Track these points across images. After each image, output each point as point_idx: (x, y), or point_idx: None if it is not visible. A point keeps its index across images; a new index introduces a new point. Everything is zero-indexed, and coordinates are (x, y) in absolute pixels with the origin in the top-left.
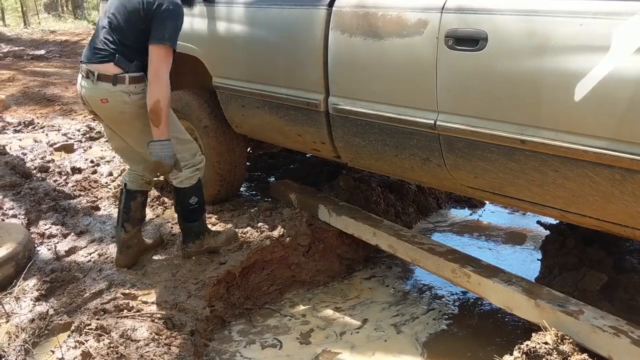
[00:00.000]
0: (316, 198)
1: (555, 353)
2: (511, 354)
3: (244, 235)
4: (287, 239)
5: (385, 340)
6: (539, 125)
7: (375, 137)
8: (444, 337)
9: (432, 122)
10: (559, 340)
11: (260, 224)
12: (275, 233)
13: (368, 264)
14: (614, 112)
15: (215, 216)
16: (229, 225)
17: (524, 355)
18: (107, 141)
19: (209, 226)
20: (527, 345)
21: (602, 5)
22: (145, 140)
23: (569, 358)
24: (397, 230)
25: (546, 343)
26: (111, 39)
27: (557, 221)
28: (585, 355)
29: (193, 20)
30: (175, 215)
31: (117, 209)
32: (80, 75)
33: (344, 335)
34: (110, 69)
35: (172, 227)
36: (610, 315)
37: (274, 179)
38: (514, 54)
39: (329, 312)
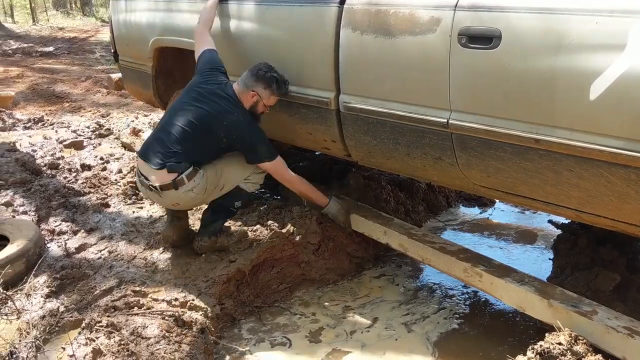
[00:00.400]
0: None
1: (569, 354)
2: (524, 354)
3: (254, 233)
4: (297, 237)
5: (396, 339)
6: (553, 125)
7: (386, 136)
8: (455, 336)
9: (445, 120)
10: (573, 341)
11: (269, 222)
12: (285, 231)
13: (378, 262)
14: (630, 112)
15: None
16: (239, 223)
17: (537, 356)
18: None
19: None
20: (540, 345)
21: (619, 3)
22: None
23: (582, 359)
24: (407, 228)
25: (560, 344)
26: (168, 151)
27: (569, 220)
28: (599, 356)
29: None
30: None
31: (126, 206)
32: (140, 176)
33: (354, 334)
34: (165, 177)
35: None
36: (624, 316)
37: None
38: (528, 52)
39: (338, 310)
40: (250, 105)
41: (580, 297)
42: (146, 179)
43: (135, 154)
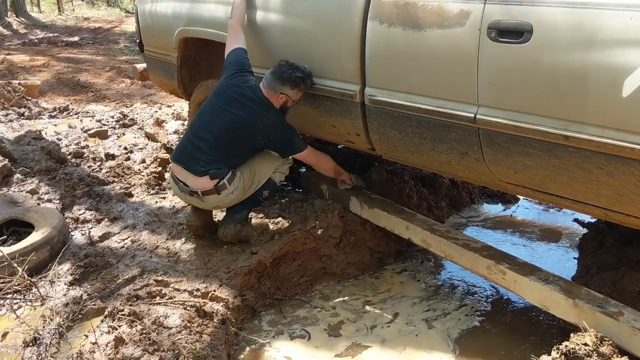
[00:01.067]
0: (348, 190)
1: (595, 355)
2: (548, 354)
3: (276, 226)
4: (319, 230)
5: (417, 335)
6: (583, 121)
7: (412, 130)
8: (477, 333)
9: (472, 115)
10: (599, 342)
11: (291, 215)
12: (307, 225)
13: (399, 257)
14: None
15: None
16: (260, 215)
17: (562, 357)
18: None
19: None
20: (566, 346)
21: None
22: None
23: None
24: (430, 224)
25: (586, 344)
26: (208, 158)
27: (595, 219)
28: (625, 358)
29: (227, 9)
30: None
31: (149, 196)
32: (179, 182)
33: (374, 329)
34: (207, 183)
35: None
36: None
37: (305, 169)
38: (560, 47)
39: (359, 305)
40: (280, 105)
41: (606, 298)
42: (185, 184)
43: (162, 149)
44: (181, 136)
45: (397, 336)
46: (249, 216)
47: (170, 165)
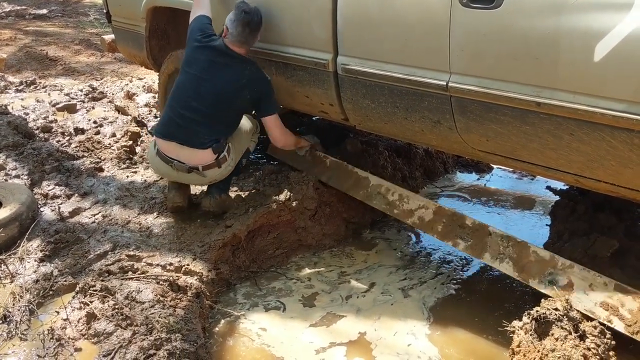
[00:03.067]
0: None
1: (566, 319)
2: (520, 320)
3: (250, 198)
4: (294, 202)
5: (392, 304)
6: (555, 87)
7: (385, 99)
8: (452, 301)
9: (444, 83)
10: (569, 307)
11: (265, 187)
12: (282, 197)
13: (375, 227)
14: (635, 74)
15: None
16: (235, 188)
17: (534, 322)
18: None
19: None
20: (537, 311)
21: None
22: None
23: (579, 324)
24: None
25: (556, 309)
26: (209, 129)
27: (567, 186)
28: (595, 322)
29: None
30: None
31: (120, 170)
32: (171, 160)
33: (350, 299)
34: (208, 157)
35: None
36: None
37: None
38: (531, 12)
39: (334, 275)
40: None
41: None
42: (180, 162)
43: (133, 123)
44: (152, 109)
45: (372, 305)
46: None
47: (154, 143)
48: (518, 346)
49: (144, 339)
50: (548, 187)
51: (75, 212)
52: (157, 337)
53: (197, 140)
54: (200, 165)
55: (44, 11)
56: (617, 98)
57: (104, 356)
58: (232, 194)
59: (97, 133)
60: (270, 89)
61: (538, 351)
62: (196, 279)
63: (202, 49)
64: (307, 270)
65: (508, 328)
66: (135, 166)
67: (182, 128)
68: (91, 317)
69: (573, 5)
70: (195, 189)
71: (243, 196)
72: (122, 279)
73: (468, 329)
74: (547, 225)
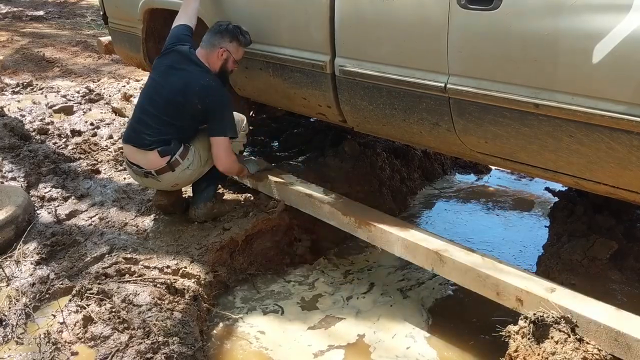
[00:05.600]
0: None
1: (563, 321)
2: (515, 324)
3: (251, 203)
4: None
5: (391, 306)
6: (554, 89)
7: (383, 101)
8: (450, 302)
9: (443, 85)
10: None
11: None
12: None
13: None
14: (634, 75)
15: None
16: (231, 190)
17: (531, 325)
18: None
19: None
20: (534, 314)
21: None
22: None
23: (576, 327)
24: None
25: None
26: (153, 130)
27: (566, 188)
28: None
29: None
30: None
31: (117, 172)
32: (132, 165)
33: (350, 300)
34: (158, 161)
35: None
36: None
37: (277, 143)
38: (529, 13)
39: (334, 277)
40: (220, 65)
41: None
42: (138, 166)
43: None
44: None
45: (371, 307)
46: (221, 192)
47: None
48: (516, 351)
49: (141, 343)
50: (547, 189)
51: (72, 214)
52: (155, 340)
53: (142, 140)
54: (152, 169)
55: (41, 13)
56: (616, 100)
57: None
58: (230, 196)
59: (94, 135)
60: (223, 108)
61: (538, 354)
62: (193, 282)
63: (168, 54)
64: (306, 272)
65: (503, 333)
66: None
67: (135, 130)
68: (88, 321)
69: (571, 6)
70: (188, 191)
71: (241, 199)
72: (119, 282)
73: (466, 331)
74: (546, 226)
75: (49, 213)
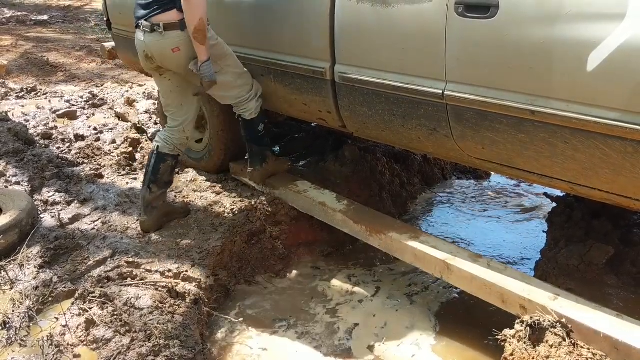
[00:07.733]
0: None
1: (559, 326)
2: (511, 328)
3: (251, 205)
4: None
5: (397, 310)
6: (549, 96)
7: (382, 107)
8: (456, 306)
9: (440, 91)
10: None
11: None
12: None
13: None
14: (627, 83)
15: (220, 185)
16: (234, 194)
17: (528, 328)
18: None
19: (214, 195)
20: (531, 317)
21: None
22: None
23: (572, 332)
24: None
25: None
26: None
27: (564, 193)
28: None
29: None
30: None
31: (120, 177)
32: (141, 34)
33: (356, 304)
34: (174, 16)
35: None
36: None
37: (278, 148)
38: (526, 22)
39: (339, 280)
40: None
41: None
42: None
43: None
44: (152, 116)
45: (379, 311)
46: (270, 154)
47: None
48: (511, 354)
49: (143, 346)
50: (545, 194)
51: (75, 218)
52: (156, 343)
53: (156, 6)
54: (162, 22)
55: (45, 17)
56: (610, 107)
57: None
58: (231, 200)
59: (97, 140)
60: None
61: (533, 358)
62: (195, 286)
63: None
64: (310, 275)
65: (499, 337)
66: (135, 173)
67: (145, 4)
68: (90, 324)
69: (567, 15)
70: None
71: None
72: (121, 286)
73: (472, 337)
74: (543, 231)
75: (53, 217)
